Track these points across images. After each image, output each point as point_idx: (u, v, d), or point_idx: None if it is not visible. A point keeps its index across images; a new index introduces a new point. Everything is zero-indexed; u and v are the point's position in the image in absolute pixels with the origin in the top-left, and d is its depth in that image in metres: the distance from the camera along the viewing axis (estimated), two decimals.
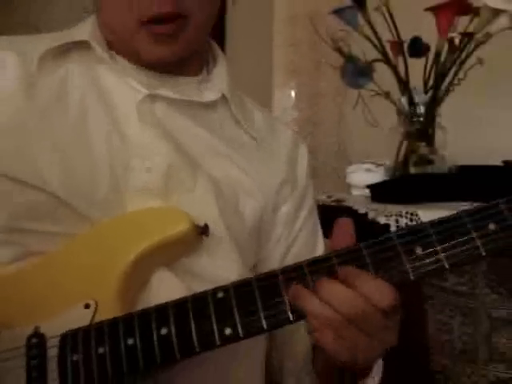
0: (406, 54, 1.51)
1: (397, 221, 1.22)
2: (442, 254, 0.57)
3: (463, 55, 1.47)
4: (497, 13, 1.39)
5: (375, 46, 1.50)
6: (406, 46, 1.52)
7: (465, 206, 1.19)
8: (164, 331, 0.58)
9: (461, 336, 1.24)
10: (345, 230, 0.61)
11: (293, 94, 3.07)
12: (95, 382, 0.59)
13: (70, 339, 0.60)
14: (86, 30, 0.74)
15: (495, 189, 1.21)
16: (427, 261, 0.57)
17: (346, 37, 1.53)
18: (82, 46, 0.73)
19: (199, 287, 0.61)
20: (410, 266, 0.57)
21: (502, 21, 1.40)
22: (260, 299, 0.58)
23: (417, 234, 0.58)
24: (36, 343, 0.61)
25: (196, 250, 0.68)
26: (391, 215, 1.22)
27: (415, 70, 1.51)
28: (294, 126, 3.06)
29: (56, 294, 0.64)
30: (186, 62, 0.75)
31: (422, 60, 1.52)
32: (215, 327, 0.58)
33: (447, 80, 1.48)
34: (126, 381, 0.60)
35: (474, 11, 1.44)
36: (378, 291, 0.56)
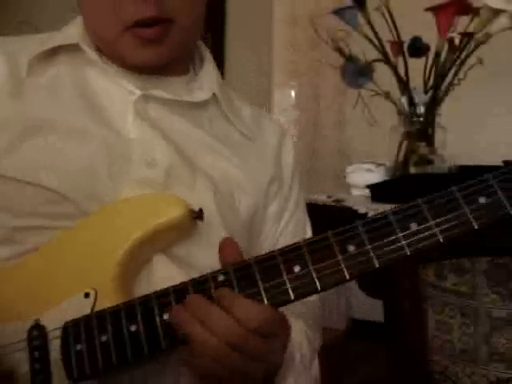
0: (406, 54, 1.51)
1: None
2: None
3: (463, 55, 1.47)
4: (497, 13, 1.39)
5: (375, 46, 1.50)
6: (406, 46, 1.52)
7: None
8: (166, 316, 0.59)
9: (461, 336, 1.24)
10: (231, 248, 0.62)
11: (293, 94, 3.07)
12: (100, 370, 0.59)
13: (71, 329, 0.61)
14: (75, 31, 0.75)
15: None
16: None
17: (346, 37, 1.53)
18: (71, 48, 0.74)
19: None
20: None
21: (502, 21, 1.40)
22: (261, 280, 0.58)
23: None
24: (37, 335, 0.61)
25: (194, 243, 0.69)
26: None
27: (415, 70, 1.51)
28: (294, 126, 3.06)
29: (54, 285, 0.64)
30: (172, 63, 0.75)
31: (422, 60, 1.51)
32: None
33: (447, 80, 1.48)
34: (131, 367, 0.61)
35: (474, 11, 1.44)
36: (246, 313, 0.56)
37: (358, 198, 1.52)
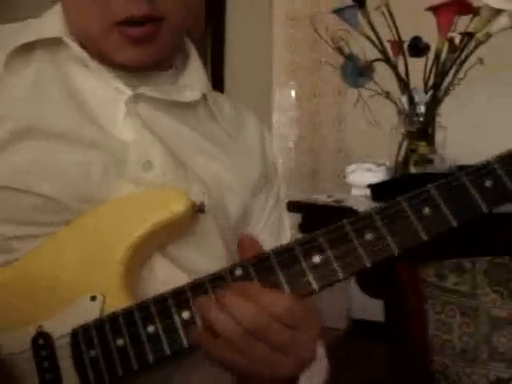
0: (406, 54, 1.51)
1: None
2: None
3: (463, 55, 1.47)
4: (497, 13, 1.39)
5: (375, 45, 1.50)
6: (406, 45, 1.52)
7: None
8: (186, 315, 0.57)
9: (461, 336, 1.24)
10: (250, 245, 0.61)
11: (293, 93, 3.07)
12: (120, 376, 0.57)
13: (82, 335, 0.58)
14: (56, 24, 0.71)
15: None
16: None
17: (346, 37, 1.53)
18: (51, 42, 0.69)
19: (197, 275, 0.60)
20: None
21: (502, 21, 1.40)
22: (281, 272, 0.57)
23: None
24: (43, 344, 0.59)
25: (191, 245, 0.67)
26: None
27: (415, 70, 1.51)
28: (294, 125, 3.06)
29: (55, 289, 0.61)
30: (160, 64, 0.73)
31: (422, 60, 1.51)
32: None
33: (447, 80, 1.48)
34: (152, 370, 0.58)
35: (474, 11, 1.44)
36: (270, 300, 0.55)
37: (358, 197, 1.52)
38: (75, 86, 0.69)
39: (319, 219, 1.49)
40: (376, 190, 1.43)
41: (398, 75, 1.50)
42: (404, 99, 1.50)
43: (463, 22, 1.47)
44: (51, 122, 0.66)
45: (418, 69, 1.51)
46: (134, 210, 0.64)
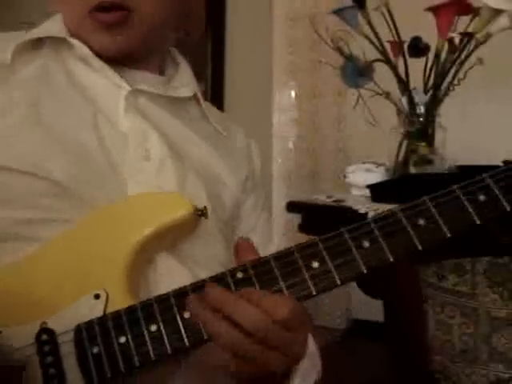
0: (406, 54, 1.51)
1: None
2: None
3: (463, 55, 1.47)
4: (497, 13, 1.39)
5: (375, 46, 1.50)
6: (406, 45, 1.52)
7: None
8: (188, 315, 0.58)
9: (461, 336, 1.24)
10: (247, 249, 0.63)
11: (293, 94, 3.07)
12: (122, 372, 0.58)
13: (85, 332, 0.59)
14: (59, 26, 0.76)
15: None
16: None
17: (346, 37, 1.53)
18: (56, 41, 0.75)
19: (199, 273, 0.63)
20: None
21: (502, 21, 1.40)
22: (281, 276, 0.59)
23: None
24: (46, 340, 0.60)
25: (192, 239, 0.69)
26: None
27: (415, 70, 1.51)
28: (294, 125, 3.06)
29: (59, 286, 0.62)
30: (145, 60, 0.78)
31: (422, 60, 1.51)
32: None
33: (447, 80, 1.48)
34: (154, 367, 0.59)
35: (474, 11, 1.44)
36: (274, 304, 0.57)
37: (358, 198, 1.52)
38: (79, 80, 0.74)
39: (319, 219, 1.49)
40: (375, 190, 1.43)
41: (397, 75, 1.50)
42: (404, 99, 1.50)
43: (463, 22, 1.47)
44: (57, 108, 0.70)
45: (417, 69, 1.51)
46: (140, 211, 0.66)
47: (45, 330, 0.60)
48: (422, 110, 1.49)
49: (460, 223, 0.60)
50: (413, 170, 1.47)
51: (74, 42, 0.73)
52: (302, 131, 3.04)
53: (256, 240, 0.80)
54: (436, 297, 1.28)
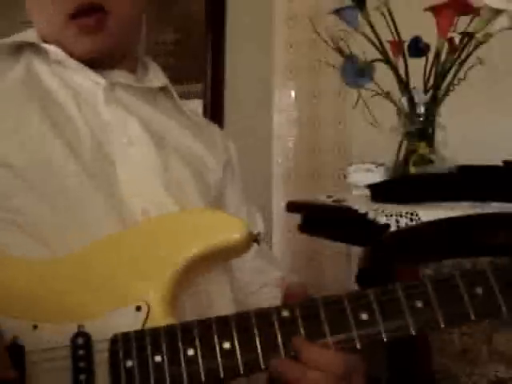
0: (406, 54, 1.51)
1: (397, 221, 1.21)
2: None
3: (463, 55, 1.46)
4: (497, 13, 1.39)
5: (375, 45, 1.49)
6: (406, 46, 1.52)
7: (465, 205, 1.19)
8: (227, 345, 0.57)
9: (461, 336, 1.24)
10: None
11: (293, 93, 3.07)
12: None
13: (121, 343, 0.58)
14: (32, 32, 0.81)
15: (495, 189, 1.21)
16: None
17: (346, 37, 1.53)
18: (33, 47, 0.79)
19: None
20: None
21: (502, 21, 1.40)
22: (327, 323, 0.57)
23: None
24: (82, 344, 0.58)
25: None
26: (391, 215, 1.22)
27: (415, 70, 1.51)
28: (294, 125, 3.06)
29: (101, 290, 0.61)
30: (119, 61, 0.83)
31: (422, 60, 1.51)
32: (280, 345, 0.57)
33: (447, 80, 1.48)
34: None
35: (474, 11, 1.44)
36: (329, 361, 0.56)
37: (358, 197, 1.52)
38: (62, 79, 0.78)
39: (319, 219, 1.49)
40: (375, 190, 1.43)
41: (397, 75, 1.49)
42: (404, 99, 1.50)
43: (463, 22, 1.47)
44: (43, 107, 0.74)
45: (417, 69, 1.51)
46: (194, 227, 0.64)
47: (81, 334, 0.58)
48: (422, 109, 1.49)
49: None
50: (413, 170, 1.47)
51: (47, 47, 0.77)
52: (302, 131, 3.04)
53: None
54: None
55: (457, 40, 1.45)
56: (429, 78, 1.50)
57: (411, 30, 1.53)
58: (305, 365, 0.56)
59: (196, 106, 2.74)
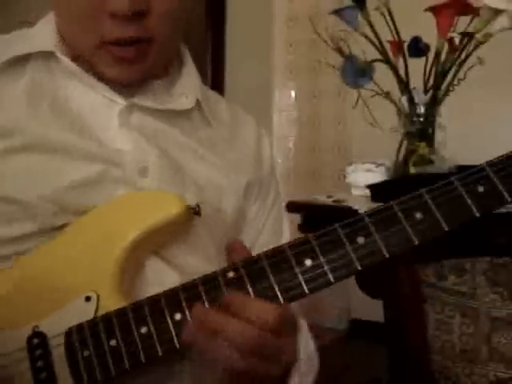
0: (406, 54, 1.51)
1: None
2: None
3: (463, 55, 1.46)
4: (497, 13, 1.39)
5: (375, 46, 1.50)
6: (406, 46, 1.52)
7: None
8: (178, 316, 0.58)
9: (461, 336, 1.24)
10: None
11: (293, 93, 3.07)
12: (112, 375, 0.58)
13: (76, 335, 0.59)
14: (47, 36, 0.71)
15: None
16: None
17: (346, 37, 1.53)
18: (44, 54, 0.70)
19: (191, 276, 0.62)
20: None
21: (502, 21, 1.40)
22: (272, 274, 0.58)
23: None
24: (38, 344, 0.59)
25: (182, 248, 0.68)
26: None
27: (415, 70, 1.51)
28: (294, 125, 3.06)
29: (51, 290, 0.62)
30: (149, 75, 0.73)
31: (422, 60, 1.51)
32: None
33: (447, 80, 1.48)
34: (145, 371, 0.59)
35: (474, 11, 1.44)
36: (258, 313, 0.56)
37: (358, 198, 1.52)
38: (69, 97, 0.69)
39: (319, 219, 1.49)
40: (375, 190, 1.43)
41: (397, 75, 1.49)
42: (404, 99, 1.50)
43: (463, 22, 1.47)
44: (44, 134, 0.66)
45: (417, 69, 1.51)
46: (130, 211, 0.64)
47: (36, 334, 0.59)
48: (421, 109, 1.49)
49: (459, 216, 0.58)
50: (413, 169, 1.47)
51: (62, 57, 0.68)
52: (302, 131, 3.04)
53: (264, 240, 0.79)
54: (436, 297, 1.28)
55: (457, 40, 1.45)
56: (429, 78, 1.50)
57: (411, 30, 1.53)
58: (230, 314, 0.56)
59: None
